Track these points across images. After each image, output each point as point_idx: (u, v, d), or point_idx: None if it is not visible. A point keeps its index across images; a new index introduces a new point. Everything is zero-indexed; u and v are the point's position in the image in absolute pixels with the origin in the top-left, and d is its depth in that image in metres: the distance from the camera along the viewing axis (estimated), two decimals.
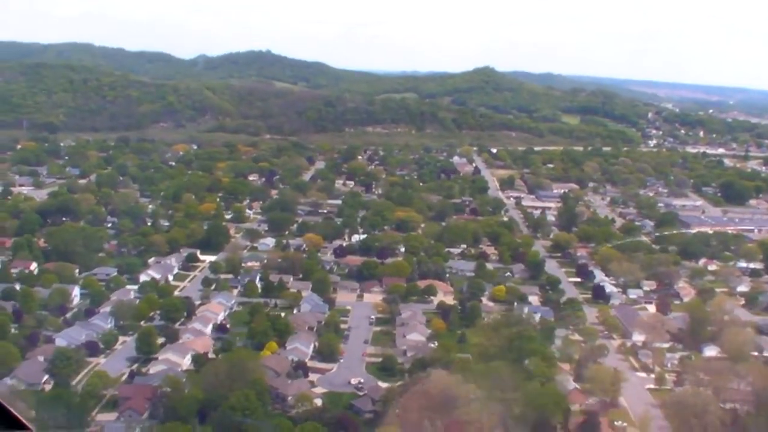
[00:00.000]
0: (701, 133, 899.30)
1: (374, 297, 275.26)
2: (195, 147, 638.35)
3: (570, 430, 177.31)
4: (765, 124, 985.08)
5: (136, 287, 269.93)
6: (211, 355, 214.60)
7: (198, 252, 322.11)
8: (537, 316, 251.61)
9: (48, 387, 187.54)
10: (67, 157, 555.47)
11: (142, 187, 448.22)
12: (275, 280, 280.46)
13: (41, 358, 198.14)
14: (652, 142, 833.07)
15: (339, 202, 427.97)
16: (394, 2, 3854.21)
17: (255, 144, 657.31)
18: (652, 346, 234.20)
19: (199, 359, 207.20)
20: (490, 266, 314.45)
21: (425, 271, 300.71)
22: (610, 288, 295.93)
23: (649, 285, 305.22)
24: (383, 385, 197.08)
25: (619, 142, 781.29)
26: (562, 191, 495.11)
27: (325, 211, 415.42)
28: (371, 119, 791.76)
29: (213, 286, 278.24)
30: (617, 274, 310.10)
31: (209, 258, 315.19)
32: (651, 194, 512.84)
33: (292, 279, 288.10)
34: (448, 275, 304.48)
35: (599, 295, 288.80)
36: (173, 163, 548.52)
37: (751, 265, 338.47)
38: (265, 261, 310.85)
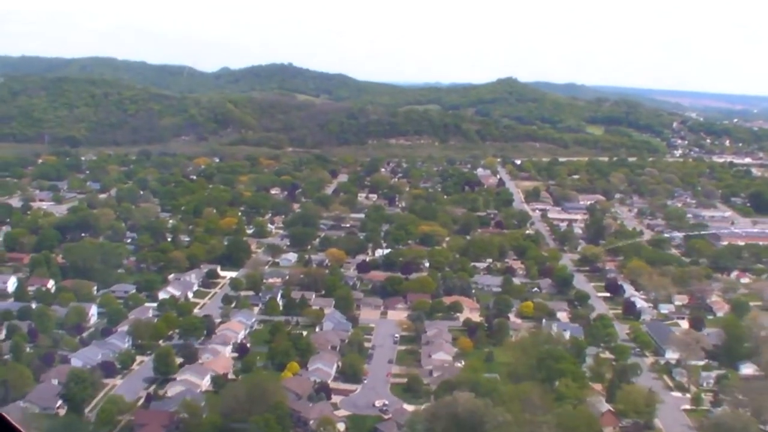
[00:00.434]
0: (727, 143, 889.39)
1: (398, 314, 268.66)
2: (217, 160, 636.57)
3: None
4: None
5: (155, 305, 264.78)
6: (231, 376, 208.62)
7: (218, 268, 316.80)
8: (566, 334, 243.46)
9: (62, 412, 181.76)
10: (87, 172, 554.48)
11: (163, 201, 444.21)
12: (297, 297, 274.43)
13: (55, 381, 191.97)
14: (678, 152, 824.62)
15: (362, 215, 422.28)
16: (416, 14, 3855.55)
17: (277, 157, 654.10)
18: (686, 364, 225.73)
19: (218, 380, 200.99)
20: (516, 281, 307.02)
21: (450, 286, 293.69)
22: (640, 303, 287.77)
23: (680, 299, 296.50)
24: (409, 407, 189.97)
25: (645, 152, 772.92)
26: (589, 203, 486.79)
27: (348, 225, 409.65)
28: (394, 131, 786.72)
29: (233, 304, 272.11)
30: (647, 289, 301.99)
31: (230, 274, 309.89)
32: (679, 205, 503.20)
33: (314, 296, 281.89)
34: (474, 291, 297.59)
35: (630, 310, 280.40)
36: (194, 177, 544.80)
37: None
38: (287, 277, 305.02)
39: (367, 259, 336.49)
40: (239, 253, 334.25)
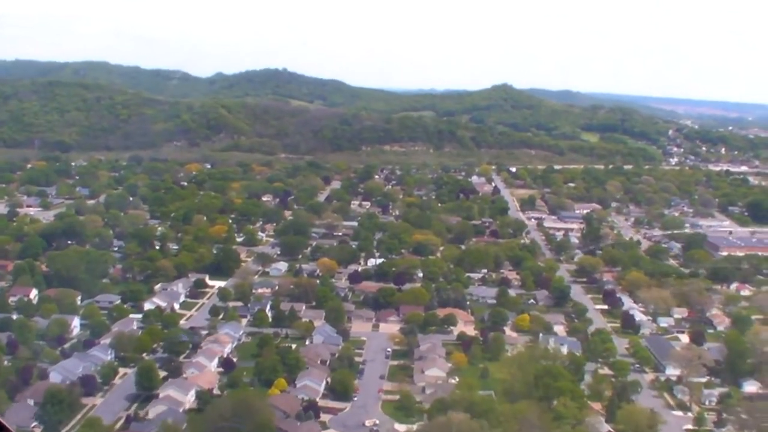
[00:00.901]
0: (723, 151, 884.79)
1: (391, 327, 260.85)
2: (208, 166, 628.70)
3: None
4: None
5: (139, 316, 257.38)
6: (216, 391, 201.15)
7: (207, 277, 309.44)
8: (564, 349, 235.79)
9: None
10: (77, 177, 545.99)
11: (152, 208, 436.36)
12: (286, 309, 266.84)
13: (31, 402, 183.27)
14: (674, 160, 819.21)
15: (355, 224, 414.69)
16: (411, 20, 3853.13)
17: (270, 163, 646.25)
18: (687, 381, 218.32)
19: (203, 396, 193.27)
20: (512, 292, 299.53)
21: (445, 298, 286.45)
22: (639, 316, 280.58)
23: (679, 312, 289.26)
24: (400, 427, 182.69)
25: (640, 159, 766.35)
26: (585, 212, 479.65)
27: (341, 233, 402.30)
28: (388, 138, 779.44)
29: (221, 315, 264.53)
30: (646, 301, 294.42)
31: (218, 283, 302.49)
32: (676, 214, 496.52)
33: (304, 307, 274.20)
34: (468, 303, 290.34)
35: (628, 324, 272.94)
36: (185, 183, 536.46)
37: None
38: (277, 287, 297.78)
39: (360, 269, 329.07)
40: (228, 262, 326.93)
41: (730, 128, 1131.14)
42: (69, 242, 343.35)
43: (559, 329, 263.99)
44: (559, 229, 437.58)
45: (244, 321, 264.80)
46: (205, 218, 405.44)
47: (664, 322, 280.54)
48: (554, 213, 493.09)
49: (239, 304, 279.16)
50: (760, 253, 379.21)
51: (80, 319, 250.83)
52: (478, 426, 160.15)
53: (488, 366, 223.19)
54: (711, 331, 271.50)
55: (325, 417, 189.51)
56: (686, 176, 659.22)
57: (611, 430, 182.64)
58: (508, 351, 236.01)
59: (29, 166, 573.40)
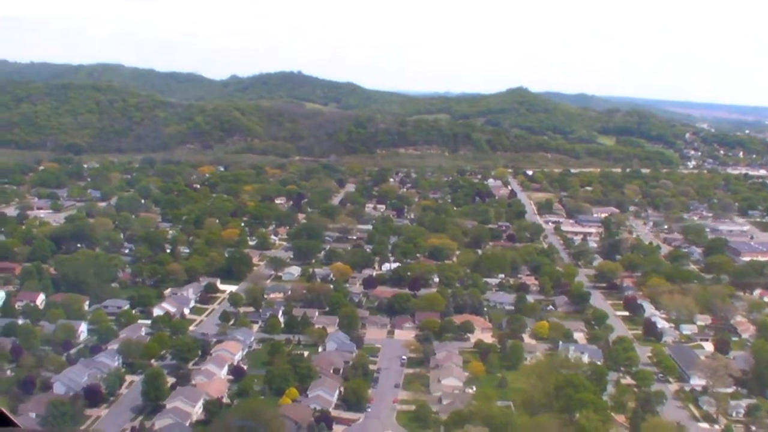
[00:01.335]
0: (741, 154, 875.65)
1: (406, 334, 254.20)
2: (222, 169, 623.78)
3: None
4: None
5: (148, 322, 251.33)
6: (225, 400, 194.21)
7: (218, 282, 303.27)
8: (584, 357, 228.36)
9: None
10: (89, 179, 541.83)
11: (164, 210, 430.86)
12: (299, 315, 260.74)
13: (33, 415, 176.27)
14: (691, 164, 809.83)
15: (369, 227, 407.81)
16: (426, 23, 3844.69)
17: (283, 166, 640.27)
18: (713, 392, 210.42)
19: (211, 406, 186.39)
20: (530, 298, 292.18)
21: (461, 304, 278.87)
22: (661, 323, 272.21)
23: (703, 319, 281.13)
24: None
25: (657, 163, 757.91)
26: (603, 216, 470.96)
27: (355, 237, 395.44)
28: (403, 140, 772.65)
29: (232, 321, 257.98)
30: (668, 308, 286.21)
31: (230, 288, 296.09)
32: (695, 218, 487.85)
33: (317, 313, 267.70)
34: (486, 309, 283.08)
35: (651, 331, 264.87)
36: (198, 186, 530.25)
37: None
38: (289, 293, 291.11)
39: (374, 274, 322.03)
40: (240, 266, 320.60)
41: (747, 132, 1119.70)
42: (78, 245, 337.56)
43: (579, 337, 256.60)
44: (577, 233, 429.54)
45: (256, 327, 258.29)
46: (217, 221, 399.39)
47: (687, 329, 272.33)
48: (572, 217, 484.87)
49: (251, 309, 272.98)
50: None
51: (87, 324, 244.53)
52: None
53: (506, 375, 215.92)
54: (735, 339, 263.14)
55: (337, 428, 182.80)
56: (705, 180, 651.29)
57: None
58: (527, 359, 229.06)
59: (41, 167, 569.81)
